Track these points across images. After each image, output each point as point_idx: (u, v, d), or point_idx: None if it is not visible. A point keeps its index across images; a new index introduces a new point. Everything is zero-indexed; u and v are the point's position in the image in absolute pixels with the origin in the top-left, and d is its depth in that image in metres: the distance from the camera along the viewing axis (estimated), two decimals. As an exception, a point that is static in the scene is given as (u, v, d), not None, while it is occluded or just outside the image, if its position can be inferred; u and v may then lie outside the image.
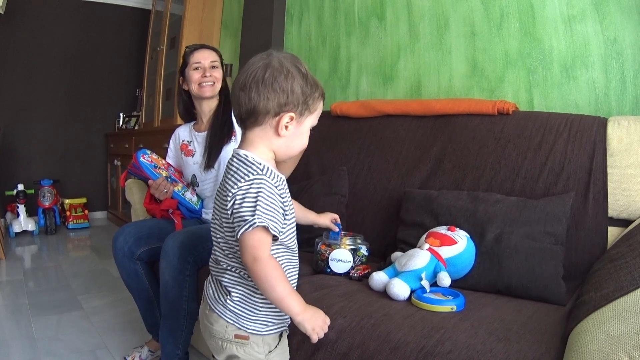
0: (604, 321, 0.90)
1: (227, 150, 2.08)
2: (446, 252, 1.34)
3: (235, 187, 1.07)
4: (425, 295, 1.21)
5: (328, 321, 1.12)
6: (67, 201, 5.32)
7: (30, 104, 5.34)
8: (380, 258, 1.73)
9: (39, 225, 4.98)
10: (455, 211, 1.55)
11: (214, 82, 2.16)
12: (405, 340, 1.01)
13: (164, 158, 2.36)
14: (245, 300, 1.14)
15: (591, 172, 1.54)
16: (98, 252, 4.29)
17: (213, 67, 2.19)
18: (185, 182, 2.27)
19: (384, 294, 1.29)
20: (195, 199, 2.23)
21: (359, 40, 2.65)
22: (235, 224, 1.06)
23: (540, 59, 1.93)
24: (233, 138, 2.09)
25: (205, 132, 2.18)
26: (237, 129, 2.04)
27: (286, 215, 1.12)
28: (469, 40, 2.15)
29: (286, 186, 1.15)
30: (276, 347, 1.18)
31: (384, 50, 2.51)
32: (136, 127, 5.17)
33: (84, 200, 5.43)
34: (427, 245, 1.35)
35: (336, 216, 1.56)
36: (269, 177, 1.08)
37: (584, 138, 1.59)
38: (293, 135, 1.14)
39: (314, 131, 1.18)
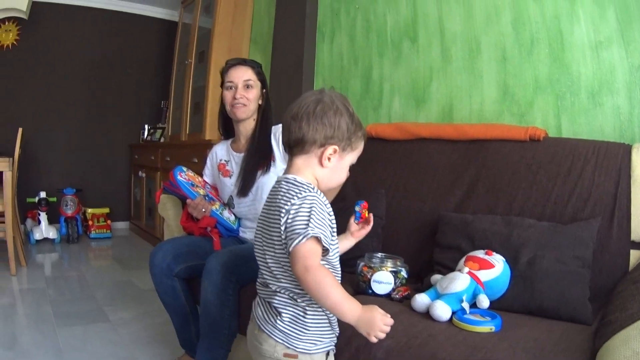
0: (629, 339, 1.07)
1: (268, 178, 2.15)
2: (484, 275, 1.53)
3: (289, 204, 1.19)
4: (465, 316, 1.40)
5: (388, 321, 1.18)
6: (89, 210, 5.52)
7: (53, 111, 5.54)
8: (415, 279, 1.90)
9: (60, 233, 5.15)
10: (491, 235, 1.74)
11: (245, 104, 2.19)
12: (450, 358, 1.20)
13: (200, 174, 2.43)
14: (295, 321, 1.24)
15: (616, 198, 1.72)
16: (121, 263, 4.41)
17: (247, 86, 2.20)
18: (222, 200, 2.35)
19: (426, 315, 1.48)
20: (232, 217, 2.30)
21: (392, 62, 2.84)
22: (288, 238, 1.17)
23: (568, 85, 2.10)
24: (272, 164, 2.17)
25: (243, 154, 2.24)
26: (277, 154, 2.17)
27: (333, 233, 1.24)
28: (500, 64, 2.33)
29: (331, 208, 1.27)
30: None
31: (416, 73, 2.69)
32: (162, 140, 5.36)
33: (106, 210, 5.63)
34: (466, 269, 1.54)
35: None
36: (320, 196, 1.22)
37: (610, 165, 1.77)
38: (334, 167, 1.28)
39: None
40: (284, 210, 1.19)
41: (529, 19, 2.23)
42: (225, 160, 2.34)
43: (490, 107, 2.36)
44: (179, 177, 2.23)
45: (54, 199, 5.13)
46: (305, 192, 1.20)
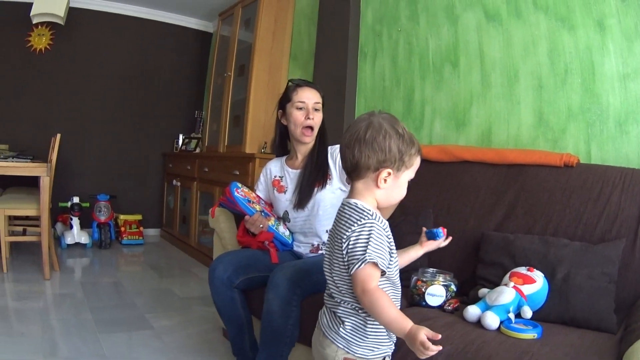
0: None
1: (323, 194, 2.35)
2: (527, 289, 1.84)
3: (349, 230, 1.33)
4: (512, 325, 1.71)
5: (430, 347, 1.24)
6: (121, 217, 5.69)
7: (87, 117, 5.73)
8: (460, 292, 2.15)
9: (92, 238, 5.30)
10: (530, 253, 2.04)
11: (313, 127, 2.37)
12: None
13: (253, 189, 2.57)
14: (357, 329, 1.40)
15: (639, 221, 2.01)
16: (157, 270, 4.58)
17: (316, 109, 2.37)
18: (276, 215, 2.51)
19: (477, 324, 1.78)
20: (287, 232, 2.47)
21: (433, 85, 3.13)
22: (349, 262, 1.32)
23: (598, 114, 2.36)
24: (329, 181, 2.36)
25: (299, 171, 2.42)
26: (333, 173, 2.38)
27: (392, 253, 1.38)
28: (536, 92, 2.59)
29: (389, 230, 1.41)
30: None
31: (457, 96, 2.98)
32: (197, 150, 5.53)
33: (139, 217, 5.81)
34: (512, 284, 1.85)
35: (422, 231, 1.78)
36: (378, 222, 1.35)
37: (635, 190, 2.05)
38: (392, 187, 1.40)
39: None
40: (345, 237, 1.34)
41: (563, 50, 2.49)
42: (279, 177, 2.51)
43: (526, 133, 2.64)
44: (235, 193, 2.36)
45: (87, 204, 5.32)
46: (364, 219, 1.34)
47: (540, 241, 2.09)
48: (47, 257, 3.88)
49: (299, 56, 4.44)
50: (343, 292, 1.41)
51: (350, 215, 1.38)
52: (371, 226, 1.33)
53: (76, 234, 5.22)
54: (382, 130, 1.36)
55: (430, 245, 1.74)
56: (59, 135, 4.12)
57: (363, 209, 1.37)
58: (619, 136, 2.30)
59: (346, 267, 1.36)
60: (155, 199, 6.31)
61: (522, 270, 1.93)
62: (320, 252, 2.43)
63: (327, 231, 2.30)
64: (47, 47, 5.49)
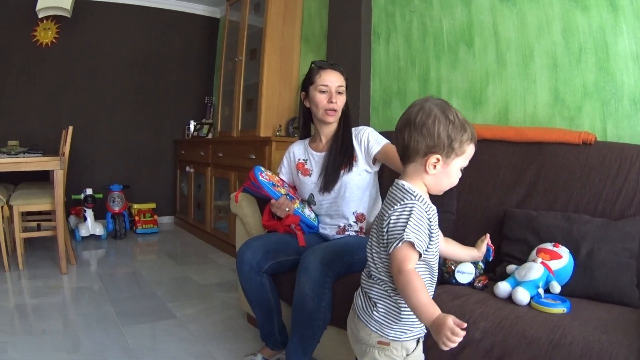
0: None
1: (350, 176, 2.35)
2: (555, 265, 1.91)
3: (391, 209, 1.34)
4: (542, 300, 1.79)
5: (459, 333, 1.18)
6: (135, 206, 5.70)
7: (97, 108, 5.73)
8: (485, 270, 2.20)
9: (107, 229, 5.31)
10: (554, 230, 2.11)
11: (336, 110, 2.35)
12: (537, 335, 1.57)
13: (275, 173, 2.56)
14: (389, 312, 1.41)
15: (656, 198, 2.08)
16: (174, 258, 4.54)
17: (339, 92, 2.35)
18: (300, 198, 2.51)
19: (508, 299, 1.86)
20: (312, 215, 2.47)
21: (449, 64, 3.18)
22: (388, 241, 1.33)
23: (613, 92, 2.40)
24: (355, 164, 2.35)
25: (324, 154, 2.42)
26: (359, 155, 2.38)
27: (432, 237, 1.37)
28: (551, 71, 2.64)
29: (436, 215, 1.40)
30: (413, 351, 1.46)
31: (472, 76, 3.03)
32: (209, 136, 5.54)
33: (153, 205, 5.82)
34: (539, 259, 1.93)
35: (485, 238, 1.78)
36: (421, 203, 1.34)
37: None
38: (441, 174, 1.39)
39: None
40: (386, 215, 1.36)
41: (577, 30, 2.52)
42: (303, 160, 2.51)
43: (542, 111, 2.69)
44: (260, 177, 2.35)
45: (100, 196, 5.32)
46: (407, 199, 1.35)
47: (563, 217, 2.15)
48: (63, 251, 3.88)
49: (311, 39, 4.46)
50: (380, 270, 1.42)
51: (395, 195, 1.40)
52: (412, 206, 1.33)
53: (90, 226, 5.22)
54: (431, 115, 1.35)
55: (479, 256, 1.77)
56: (71, 128, 4.11)
57: (409, 189, 1.38)
58: (634, 114, 2.35)
59: (385, 245, 1.36)
60: (168, 186, 6.34)
61: (549, 246, 2.00)
62: (346, 233, 2.46)
63: (354, 213, 2.40)
64: (54, 40, 5.47)
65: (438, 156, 1.36)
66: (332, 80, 2.34)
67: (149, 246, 5.18)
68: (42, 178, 4.89)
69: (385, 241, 1.37)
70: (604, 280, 1.94)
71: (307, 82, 2.41)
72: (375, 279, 1.45)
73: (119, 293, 3.42)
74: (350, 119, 2.46)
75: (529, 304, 1.82)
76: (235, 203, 2.75)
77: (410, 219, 1.32)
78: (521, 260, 2.07)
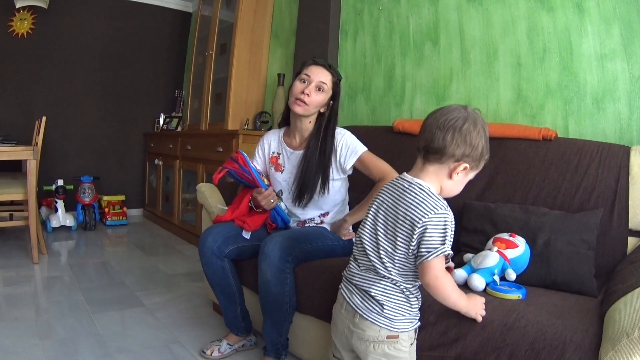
0: (630, 301, 1.37)
1: (322, 199, 2.26)
2: (510, 253, 1.85)
3: (426, 217, 1.32)
4: (497, 286, 1.73)
5: (484, 300, 1.50)
6: (105, 198, 5.58)
7: (69, 100, 5.59)
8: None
9: (77, 220, 5.18)
10: (511, 221, 2.06)
11: (307, 103, 2.15)
12: (491, 319, 1.51)
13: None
14: (400, 307, 1.42)
15: (616, 192, 2.03)
16: (142, 249, 4.49)
17: (319, 88, 2.17)
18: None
19: (463, 286, 1.78)
20: (287, 210, 2.37)
21: (414, 62, 3.13)
22: (421, 250, 1.32)
23: (575, 91, 2.39)
24: (327, 190, 2.23)
25: (298, 153, 2.28)
26: (332, 163, 2.22)
27: None
28: (515, 70, 2.62)
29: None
30: (415, 339, 1.49)
31: (437, 73, 2.99)
32: (179, 129, 5.49)
33: (122, 197, 5.69)
34: (495, 248, 1.86)
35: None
36: (450, 213, 1.35)
37: (612, 163, 2.08)
38: (458, 181, 1.41)
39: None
40: (419, 223, 1.33)
41: (542, 30, 2.51)
42: (277, 153, 2.37)
43: (505, 108, 2.66)
44: (251, 163, 2.22)
45: (71, 187, 5.19)
46: (440, 208, 1.34)
47: (520, 209, 2.10)
48: (35, 241, 3.82)
49: (280, 34, 4.40)
50: (390, 269, 1.41)
51: (422, 199, 1.36)
52: (446, 217, 1.34)
53: (61, 217, 5.09)
54: (477, 126, 1.37)
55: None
56: (44, 118, 4.00)
57: (434, 194, 1.37)
58: (596, 112, 2.33)
59: (405, 249, 1.37)
60: (138, 179, 6.23)
61: (505, 235, 1.94)
62: (306, 225, 2.37)
63: (320, 215, 2.35)
64: (29, 31, 5.32)
65: (467, 165, 1.38)
66: (316, 73, 2.18)
67: (119, 237, 5.13)
68: (15, 169, 4.78)
69: (414, 245, 1.35)
70: (561, 269, 1.89)
71: (296, 73, 2.28)
72: (382, 274, 1.43)
73: (90, 282, 3.41)
74: (332, 128, 2.25)
75: (485, 290, 1.76)
76: (203, 190, 2.71)
77: (447, 230, 1.33)
78: (479, 250, 2.00)
